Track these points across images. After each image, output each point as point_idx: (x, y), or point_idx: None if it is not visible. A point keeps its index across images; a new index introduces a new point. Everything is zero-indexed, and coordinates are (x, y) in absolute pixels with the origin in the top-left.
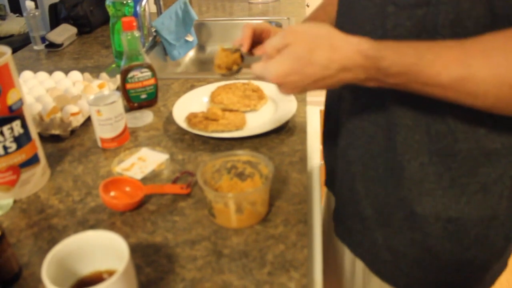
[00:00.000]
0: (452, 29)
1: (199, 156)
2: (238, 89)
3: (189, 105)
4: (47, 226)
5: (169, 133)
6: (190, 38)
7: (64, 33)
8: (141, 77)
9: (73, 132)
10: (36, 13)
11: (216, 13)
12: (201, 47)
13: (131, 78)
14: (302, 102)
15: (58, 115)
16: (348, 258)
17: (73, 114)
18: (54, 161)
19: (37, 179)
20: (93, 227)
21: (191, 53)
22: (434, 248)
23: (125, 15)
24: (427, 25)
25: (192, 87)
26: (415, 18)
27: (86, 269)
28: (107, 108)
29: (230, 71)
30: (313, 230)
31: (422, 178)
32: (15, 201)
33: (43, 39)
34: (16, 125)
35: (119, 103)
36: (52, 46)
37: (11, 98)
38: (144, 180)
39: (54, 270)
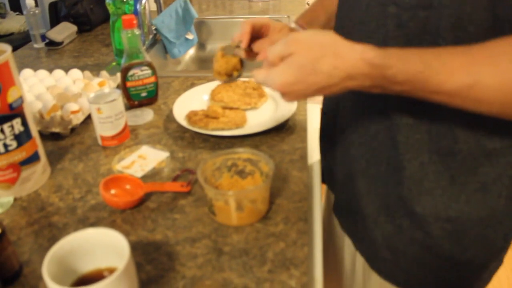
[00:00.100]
0: (454, 33)
1: (199, 154)
2: (239, 87)
3: (189, 103)
4: (48, 224)
5: (169, 131)
6: (190, 36)
7: (64, 31)
8: (141, 75)
9: (73, 130)
10: (36, 11)
11: (216, 11)
12: (201, 45)
13: (131, 76)
14: (302, 100)
15: (59, 113)
16: (348, 255)
17: (73, 112)
18: (54, 159)
19: (37, 177)
20: (93, 225)
21: (191, 51)
22: (433, 247)
23: (125, 13)
24: (430, 28)
25: (193, 85)
26: (418, 19)
27: (87, 266)
28: (107, 106)
29: (230, 78)
30: (314, 228)
31: (422, 177)
32: (15, 199)
33: (43, 37)
34: (17, 123)
35: (120, 101)
36: (52, 44)
37: (11, 96)
38: (145, 178)
39: (54, 268)
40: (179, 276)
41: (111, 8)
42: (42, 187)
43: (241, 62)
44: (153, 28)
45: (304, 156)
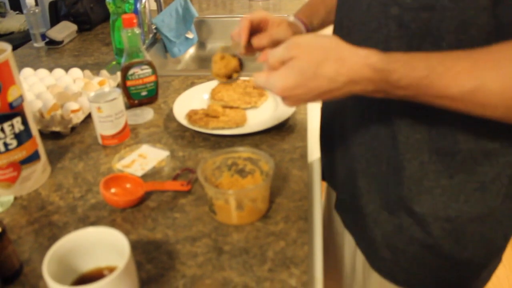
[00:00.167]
0: (456, 36)
1: (199, 153)
2: (239, 86)
3: (189, 102)
4: (48, 223)
5: (169, 130)
6: (190, 35)
7: (64, 30)
8: (141, 74)
9: (73, 129)
10: (36, 10)
11: (216, 10)
12: (201, 44)
13: (131, 75)
14: (303, 105)
15: (59, 112)
16: (348, 253)
17: (73, 111)
18: (54, 158)
19: (37, 176)
20: (93, 223)
21: (192, 50)
22: (433, 246)
23: (125, 12)
24: (432, 30)
25: (193, 84)
26: (420, 21)
27: (87, 265)
28: (107, 105)
29: (230, 79)
30: (314, 226)
31: (421, 177)
32: (15, 198)
33: (43, 36)
34: (17, 122)
35: (120, 100)
36: (52, 43)
37: (11, 95)
38: (145, 177)
39: (55, 267)
40: (179, 275)
41: (111, 7)
42: (42, 186)
43: (240, 63)
44: (153, 27)
45: (304, 155)
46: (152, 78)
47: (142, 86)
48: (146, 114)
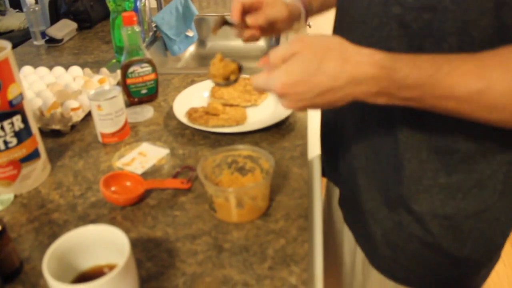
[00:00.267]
0: (458, 37)
1: (199, 151)
2: (239, 84)
3: (189, 100)
4: (48, 221)
5: (169, 128)
6: (190, 33)
7: (64, 28)
8: (141, 72)
9: (73, 127)
10: (36, 8)
11: (216, 8)
12: (201, 42)
13: (131, 73)
14: (301, 110)
15: (59, 110)
16: (348, 250)
17: (73, 109)
18: (54, 156)
19: (37, 174)
20: (93, 221)
21: (192, 48)
22: (432, 244)
23: (125, 10)
24: (434, 30)
25: (193, 82)
26: (421, 21)
27: (87, 263)
28: (107, 103)
29: (227, 81)
30: (314, 224)
31: (420, 175)
32: (15, 196)
33: (43, 34)
34: (17, 120)
35: (120, 98)
36: (52, 41)
37: (11, 93)
38: (145, 175)
39: (55, 265)
40: (179, 272)
41: (111, 5)
42: (42, 184)
43: (239, 68)
44: (153, 25)
45: (304, 153)
46: (152, 76)
47: (142, 84)
48: (146, 112)
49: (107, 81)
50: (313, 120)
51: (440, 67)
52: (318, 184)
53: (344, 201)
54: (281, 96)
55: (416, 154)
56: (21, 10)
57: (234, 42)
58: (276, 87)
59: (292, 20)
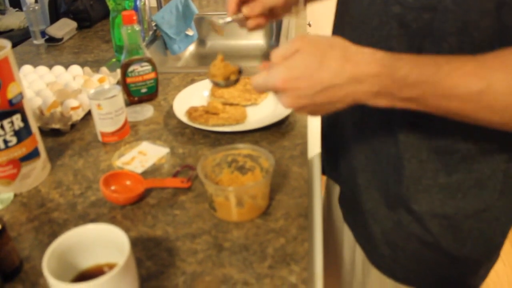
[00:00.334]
0: (459, 37)
1: (199, 150)
2: (239, 83)
3: (189, 99)
4: (48, 220)
5: (169, 127)
6: (190, 32)
7: (64, 27)
8: (141, 71)
9: (73, 126)
10: (36, 8)
11: (216, 7)
12: (201, 41)
13: (131, 72)
14: (300, 113)
15: (59, 109)
16: (348, 249)
17: (73, 108)
18: (54, 155)
19: (37, 173)
20: (93, 221)
21: (192, 47)
22: (432, 243)
23: (125, 9)
24: (434, 31)
25: (193, 81)
26: (422, 21)
27: (87, 262)
28: (107, 102)
29: (227, 81)
30: (314, 223)
31: (420, 175)
32: (15, 195)
33: (43, 33)
34: (17, 119)
35: (120, 97)
36: (52, 40)
37: (11, 92)
38: (145, 174)
39: (54, 264)
40: (179, 271)
41: (111, 4)
42: (42, 183)
43: (239, 71)
44: (153, 24)
45: (304, 152)
46: (152, 75)
47: (142, 83)
48: (146, 111)
49: (107, 80)
50: (313, 119)
51: (440, 67)
52: (318, 183)
53: (344, 201)
54: (282, 91)
55: (416, 154)
56: (21, 9)
57: (234, 42)
58: (277, 82)
59: (290, 5)
